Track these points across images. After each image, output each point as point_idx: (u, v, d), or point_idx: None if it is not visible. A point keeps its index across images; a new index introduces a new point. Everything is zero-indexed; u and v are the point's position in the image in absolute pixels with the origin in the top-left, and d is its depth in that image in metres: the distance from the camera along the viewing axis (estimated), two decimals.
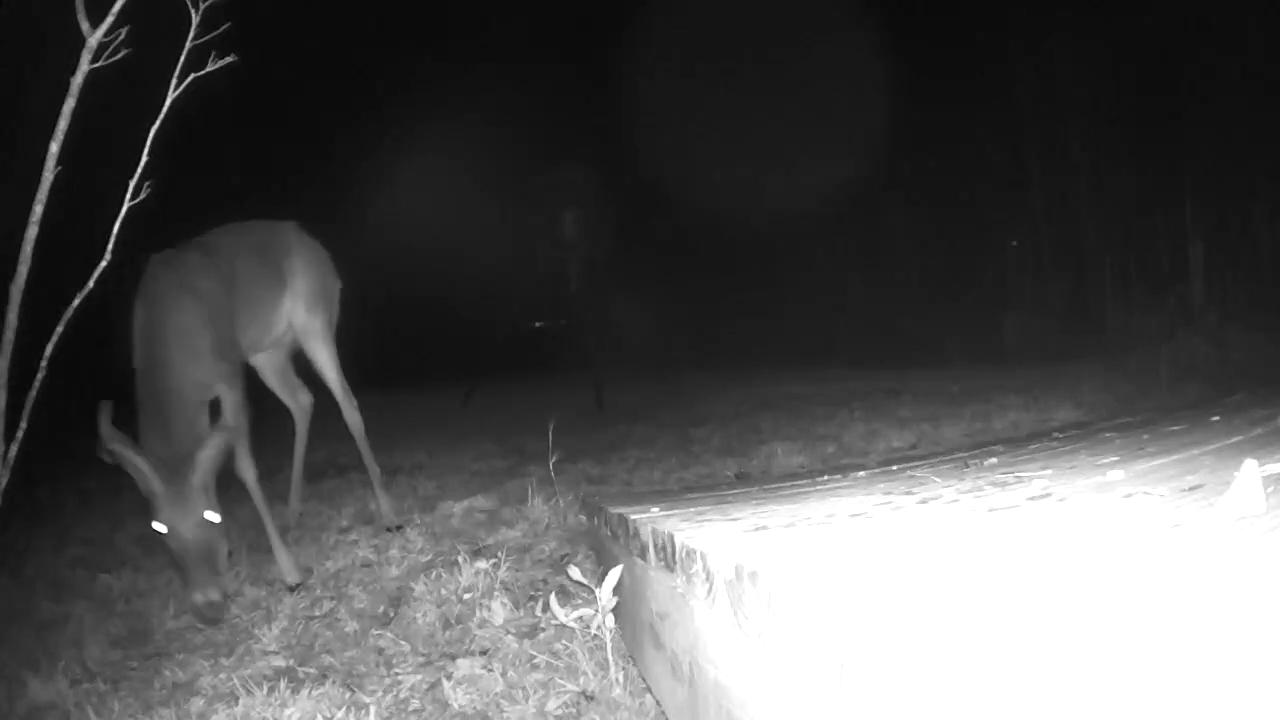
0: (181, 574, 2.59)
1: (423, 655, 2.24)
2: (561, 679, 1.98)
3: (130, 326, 2.81)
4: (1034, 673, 0.53)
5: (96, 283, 2.06)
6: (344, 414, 3.62)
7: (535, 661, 2.09)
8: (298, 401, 3.76)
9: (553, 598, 2.04)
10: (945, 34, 9.75)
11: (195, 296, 2.89)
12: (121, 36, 1.94)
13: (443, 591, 2.56)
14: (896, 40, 9.64)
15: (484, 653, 2.18)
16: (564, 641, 2.10)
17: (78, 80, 1.94)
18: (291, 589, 2.82)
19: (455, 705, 1.94)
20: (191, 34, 2.01)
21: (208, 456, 2.57)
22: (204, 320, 2.86)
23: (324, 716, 1.93)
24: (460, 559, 2.73)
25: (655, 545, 1.49)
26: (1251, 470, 0.88)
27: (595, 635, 1.97)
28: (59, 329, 2.05)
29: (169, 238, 3.08)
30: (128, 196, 2.03)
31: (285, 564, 2.92)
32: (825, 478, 2.36)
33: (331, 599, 2.71)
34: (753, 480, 3.39)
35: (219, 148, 8.85)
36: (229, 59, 2.06)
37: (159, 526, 2.52)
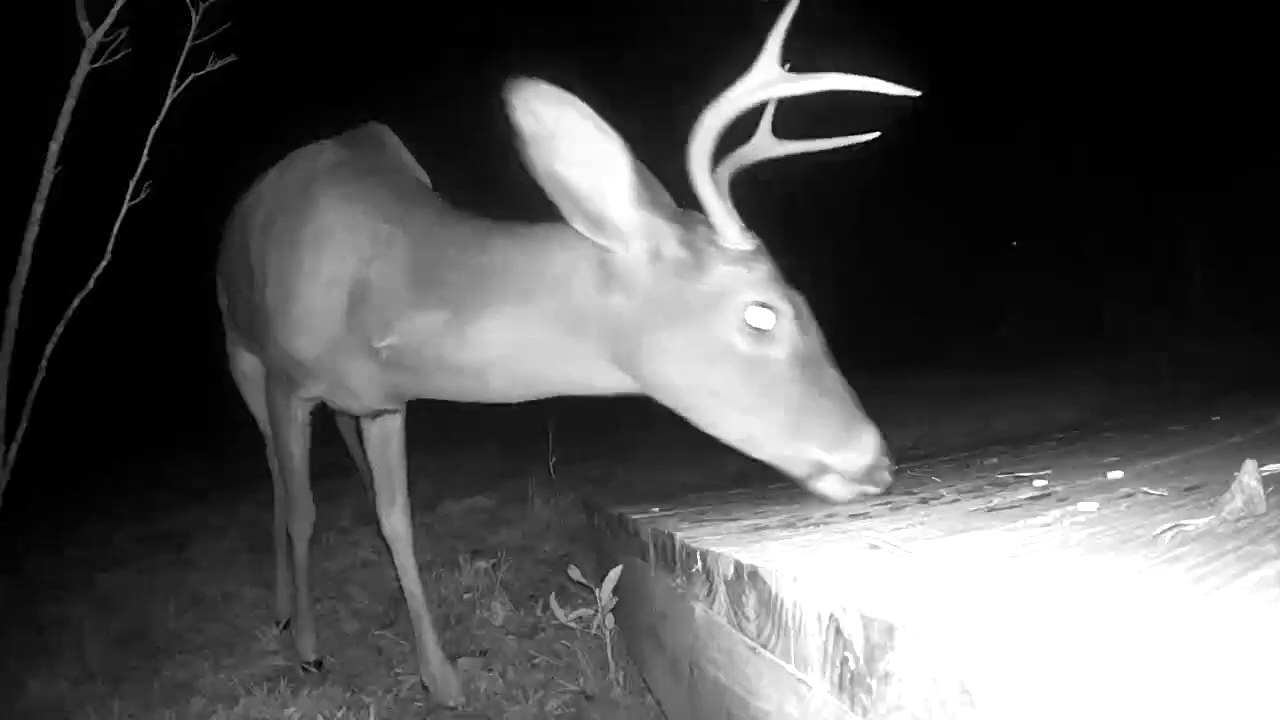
0: None
1: None
2: (561, 679, 1.98)
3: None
4: (1033, 672, 0.53)
5: (96, 282, 2.06)
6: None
7: (535, 661, 2.09)
8: None
9: (553, 598, 2.04)
10: (945, 36, 9.75)
11: None
12: (122, 36, 1.95)
13: (443, 591, 2.56)
14: (898, 42, 9.64)
15: (484, 653, 2.19)
16: (564, 641, 2.10)
17: (78, 80, 1.94)
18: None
19: (456, 705, 1.94)
20: (191, 34, 2.01)
21: None
22: None
23: (324, 716, 1.93)
24: (460, 559, 2.73)
25: (655, 545, 1.49)
26: (1251, 470, 0.88)
27: (595, 635, 1.97)
28: (59, 329, 2.05)
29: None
30: (128, 196, 2.03)
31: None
32: None
33: (331, 599, 2.71)
34: (753, 480, 3.39)
35: (218, 147, 8.84)
36: (229, 59, 2.07)
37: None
